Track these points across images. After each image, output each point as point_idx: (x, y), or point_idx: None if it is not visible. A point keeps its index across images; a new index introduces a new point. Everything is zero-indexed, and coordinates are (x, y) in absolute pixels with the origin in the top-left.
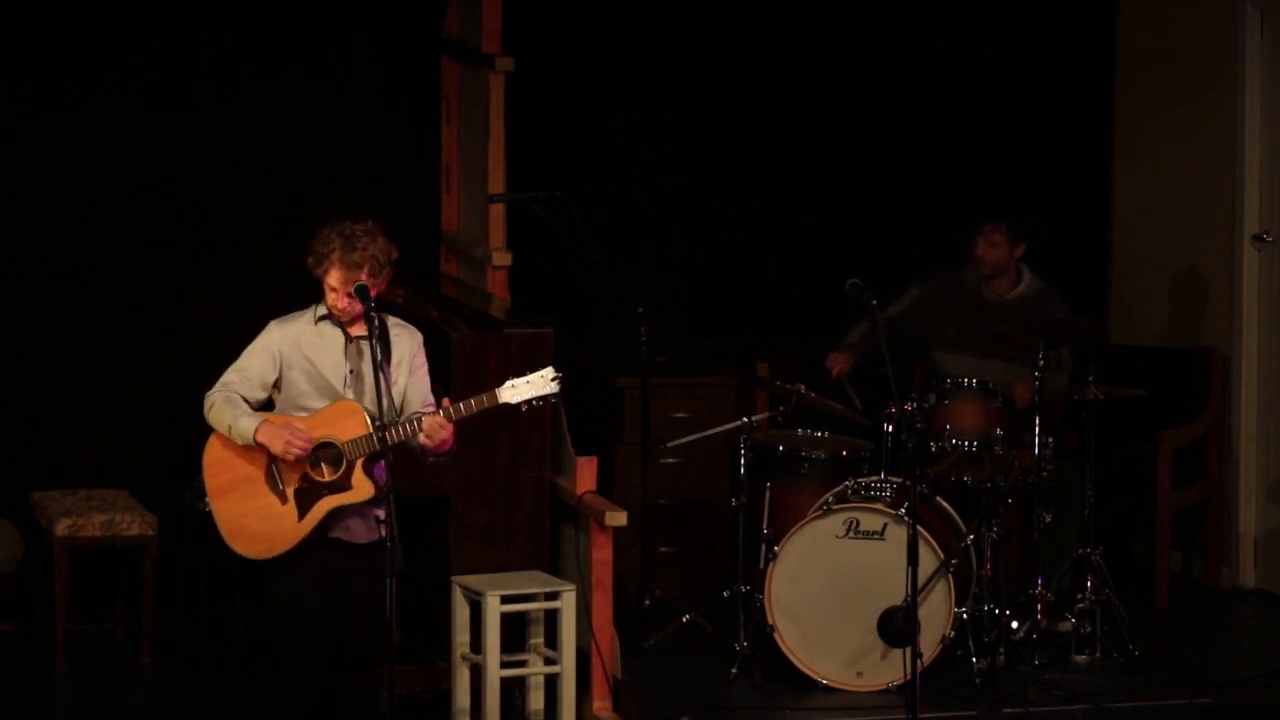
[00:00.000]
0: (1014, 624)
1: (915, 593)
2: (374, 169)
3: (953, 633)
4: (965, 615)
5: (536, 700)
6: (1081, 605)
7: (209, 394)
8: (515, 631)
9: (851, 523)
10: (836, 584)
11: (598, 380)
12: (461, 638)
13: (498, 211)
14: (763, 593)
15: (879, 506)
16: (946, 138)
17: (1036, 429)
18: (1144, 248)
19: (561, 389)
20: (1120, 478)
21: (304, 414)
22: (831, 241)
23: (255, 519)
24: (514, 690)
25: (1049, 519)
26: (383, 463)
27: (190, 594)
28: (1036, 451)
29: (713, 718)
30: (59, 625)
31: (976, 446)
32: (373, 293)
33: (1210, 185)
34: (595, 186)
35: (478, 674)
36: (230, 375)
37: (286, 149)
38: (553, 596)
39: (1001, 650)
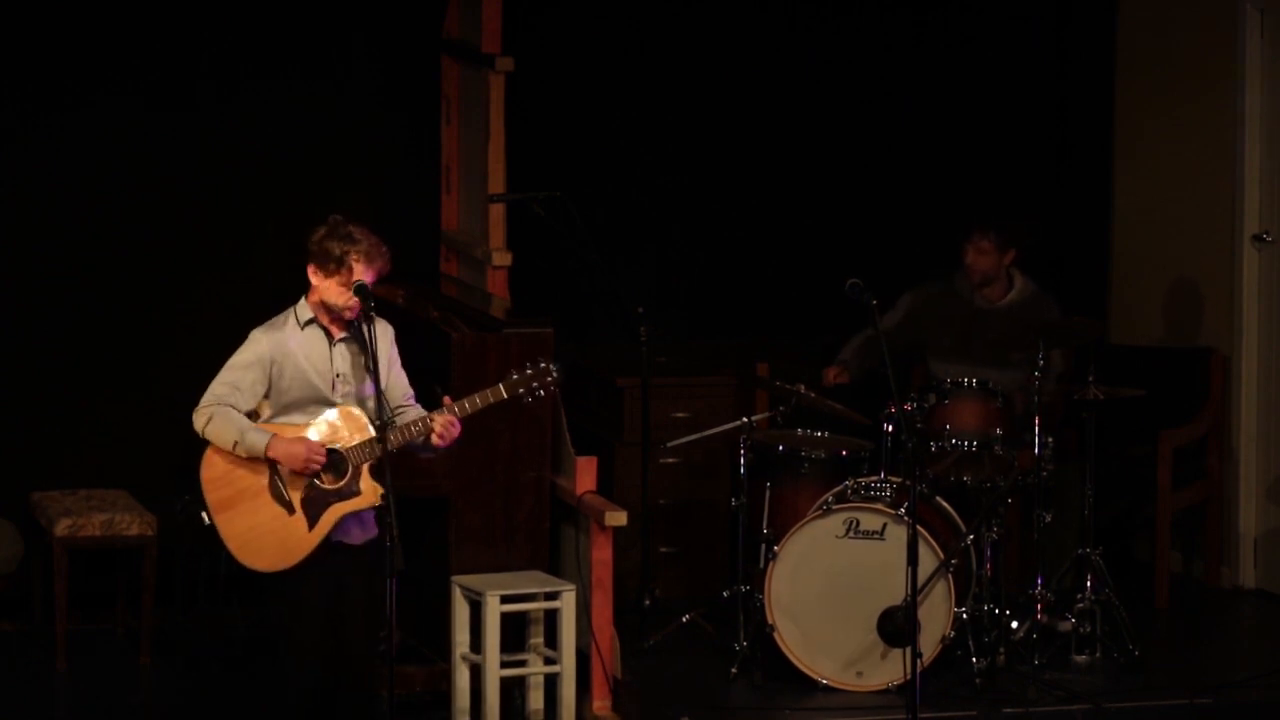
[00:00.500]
0: (1014, 624)
1: (915, 593)
2: (374, 169)
3: (953, 633)
4: (965, 615)
5: (536, 700)
6: (1081, 605)
7: (200, 409)
8: (515, 631)
9: (851, 523)
10: (836, 584)
11: (598, 380)
12: (461, 638)
13: (498, 211)
14: (763, 593)
15: (879, 506)
16: (946, 138)
17: (1036, 429)
18: (1144, 248)
19: (560, 378)
20: (1120, 478)
21: (297, 421)
22: (831, 241)
23: (265, 532)
24: (514, 690)
25: (1049, 519)
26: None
27: (190, 594)
28: (1036, 451)
29: (713, 718)
30: (59, 625)
31: (976, 446)
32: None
33: (1210, 185)
34: (595, 186)
35: (478, 674)
36: (220, 388)
37: (286, 149)
38: (553, 596)
39: (1001, 650)
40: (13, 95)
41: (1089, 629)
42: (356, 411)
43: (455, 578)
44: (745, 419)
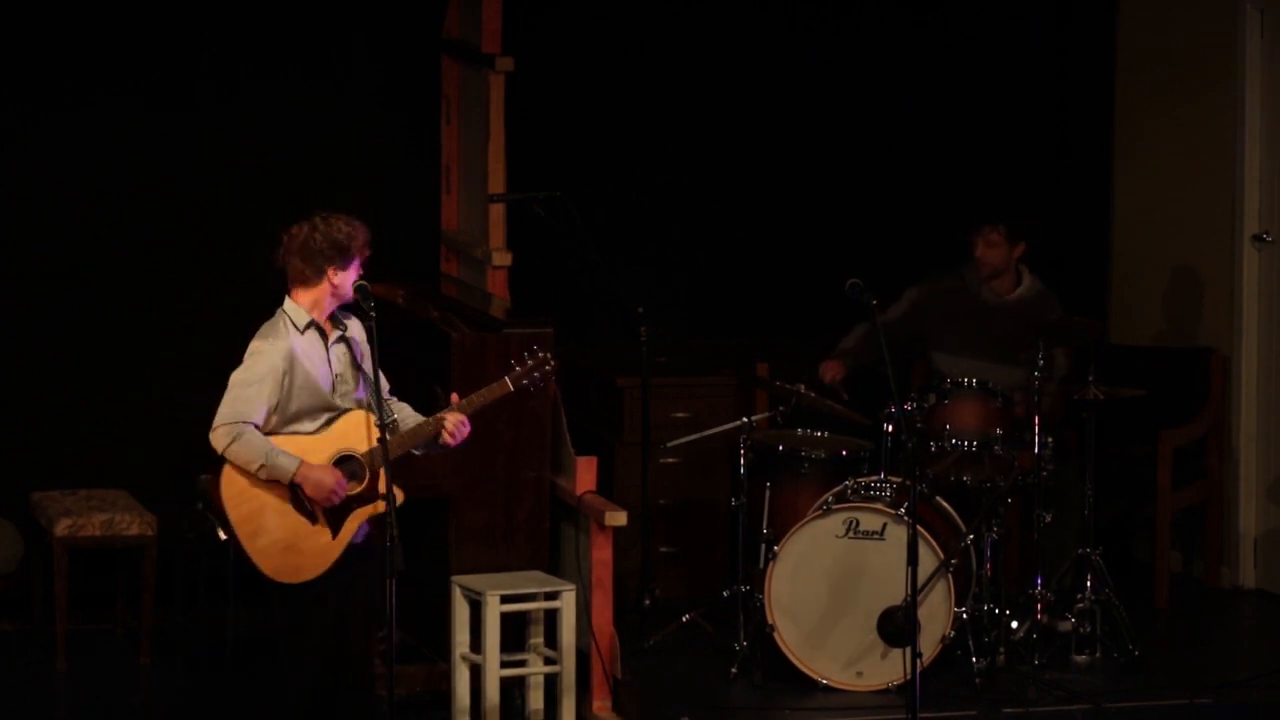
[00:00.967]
0: (1014, 624)
1: (915, 593)
2: (374, 169)
3: (953, 633)
4: (965, 615)
5: (536, 700)
6: (1081, 605)
7: (219, 428)
8: (515, 631)
9: (851, 522)
10: (836, 584)
11: (598, 380)
12: (461, 638)
13: (498, 211)
14: (763, 593)
15: (879, 506)
16: (946, 138)
17: (1036, 429)
18: (1144, 248)
19: (557, 364)
20: (1120, 478)
21: (306, 429)
22: (831, 241)
23: (291, 544)
24: (514, 690)
25: (1049, 519)
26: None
27: (190, 594)
28: (1036, 451)
29: (713, 718)
30: (59, 625)
31: (976, 446)
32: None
33: (1210, 185)
34: (595, 186)
35: (478, 674)
36: (239, 405)
37: (286, 149)
38: (553, 596)
39: (1001, 650)
40: (13, 95)
41: (1089, 629)
42: (367, 415)
43: (455, 578)
44: (745, 419)
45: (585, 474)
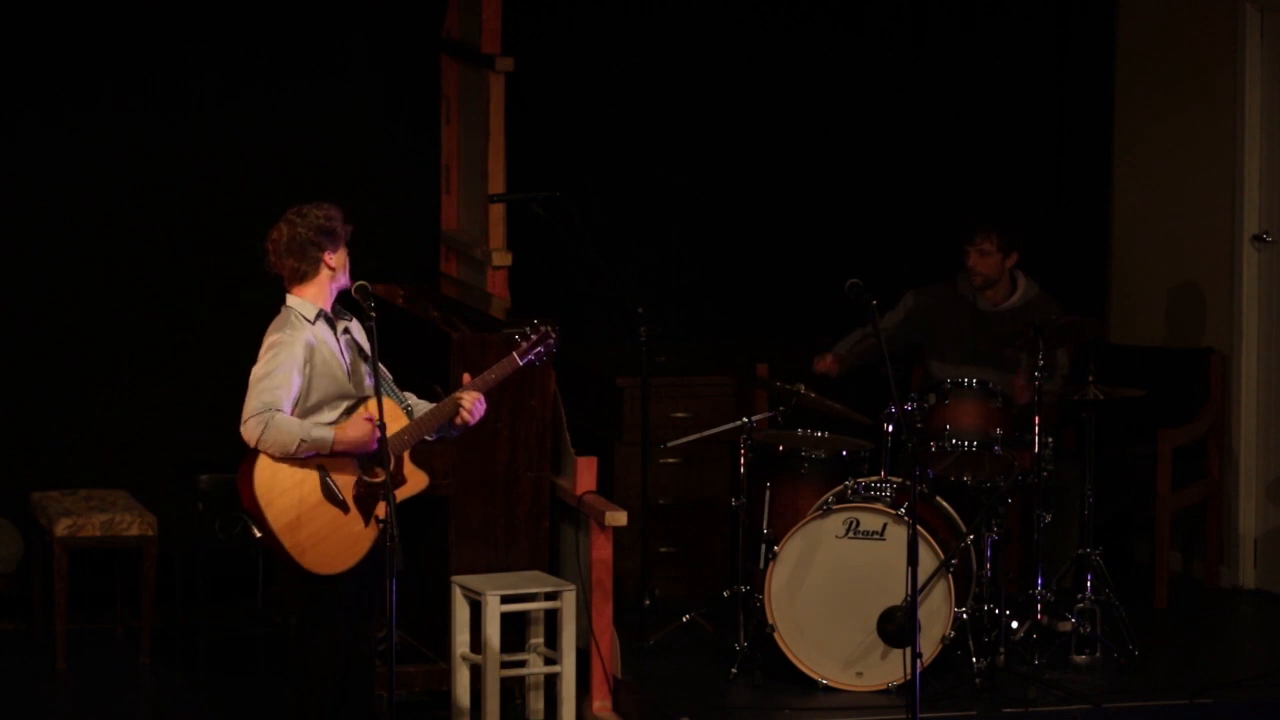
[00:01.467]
0: (1014, 624)
1: (915, 593)
2: (374, 169)
3: (953, 633)
4: (965, 615)
5: (536, 700)
6: (1081, 605)
7: (249, 420)
8: (515, 631)
9: (851, 523)
10: (836, 584)
11: (598, 380)
12: (461, 638)
13: (498, 211)
14: (763, 592)
15: (879, 506)
16: (946, 138)
17: (1036, 429)
18: (1144, 248)
19: (557, 337)
20: (1120, 478)
21: (327, 419)
22: (831, 242)
23: (327, 536)
24: (514, 690)
25: (1049, 519)
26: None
27: (190, 594)
28: (1036, 451)
29: (713, 718)
30: (59, 625)
31: (976, 446)
32: None
33: (1210, 186)
34: (595, 186)
35: (478, 674)
36: (267, 395)
37: (287, 149)
38: (553, 596)
39: (1001, 650)
40: (13, 96)
41: (1089, 629)
42: (386, 401)
43: (455, 578)
44: (745, 419)
45: (585, 474)
